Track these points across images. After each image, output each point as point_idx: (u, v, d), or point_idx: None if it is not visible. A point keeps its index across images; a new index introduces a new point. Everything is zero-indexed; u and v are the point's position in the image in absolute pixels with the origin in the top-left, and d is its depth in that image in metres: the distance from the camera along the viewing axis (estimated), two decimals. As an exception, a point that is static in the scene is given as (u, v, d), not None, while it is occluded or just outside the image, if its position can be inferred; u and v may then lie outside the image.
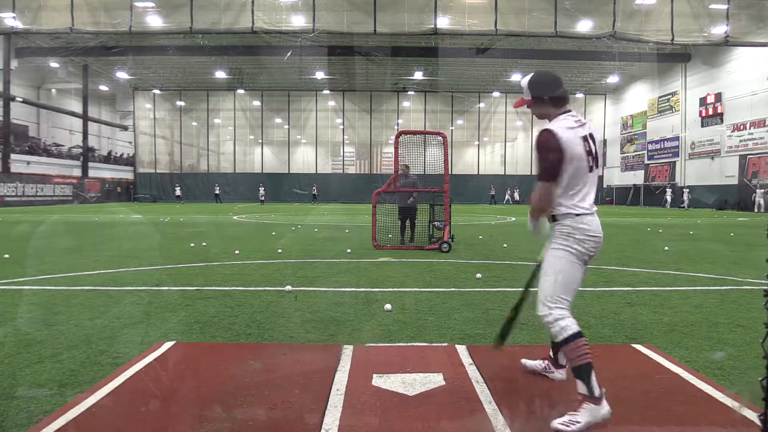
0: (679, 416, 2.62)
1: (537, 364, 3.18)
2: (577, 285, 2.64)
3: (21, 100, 36.46)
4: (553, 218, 2.66)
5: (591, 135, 2.69)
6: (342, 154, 50.71)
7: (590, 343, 3.83)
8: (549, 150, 2.54)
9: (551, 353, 3.12)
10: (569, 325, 2.51)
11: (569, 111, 2.72)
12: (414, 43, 33.12)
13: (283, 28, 25.81)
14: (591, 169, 2.65)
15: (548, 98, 2.70)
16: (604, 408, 2.45)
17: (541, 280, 2.64)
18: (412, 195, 10.42)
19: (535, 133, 2.90)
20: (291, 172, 49.77)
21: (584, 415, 2.42)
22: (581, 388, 2.47)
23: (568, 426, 2.40)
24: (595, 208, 2.69)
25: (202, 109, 49.75)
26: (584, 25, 25.89)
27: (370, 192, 11.34)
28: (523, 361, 3.24)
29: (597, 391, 2.45)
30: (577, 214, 2.61)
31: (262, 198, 41.72)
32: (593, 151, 2.66)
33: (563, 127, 2.60)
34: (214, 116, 50.26)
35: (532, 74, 2.80)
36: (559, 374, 3.09)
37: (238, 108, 49.59)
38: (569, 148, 2.57)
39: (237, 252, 9.01)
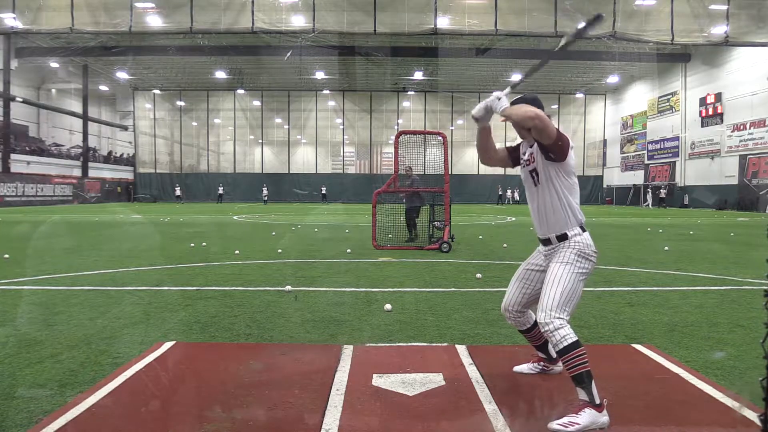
0: (679, 416, 2.62)
1: (531, 366, 3.22)
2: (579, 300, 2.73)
3: (21, 100, 36.45)
4: (565, 236, 2.73)
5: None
6: (342, 154, 50.72)
7: (590, 343, 3.85)
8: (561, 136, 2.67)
9: (540, 353, 3.17)
10: (569, 334, 2.52)
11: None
12: (414, 43, 33.11)
13: (283, 28, 25.80)
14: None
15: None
16: (605, 416, 2.46)
17: (547, 289, 2.63)
18: (419, 195, 10.56)
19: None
20: (291, 172, 49.80)
21: (584, 418, 2.43)
22: (582, 395, 2.48)
23: (566, 427, 2.40)
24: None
25: (202, 109, 49.76)
26: (584, 25, 25.84)
27: (370, 192, 11.35)
28: (516, 369, 3.25)
29: (598, 399, 2.46)
30: (585, 230, 2.77)
31: (266, 198, 41.77)
32: None
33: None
34: (214, 116, 50.27)
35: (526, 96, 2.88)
36: (558, 367, 3.15)
37: (238, 108, 49.60)
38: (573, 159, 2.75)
39: (237, 252, 9.01)
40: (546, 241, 2.80)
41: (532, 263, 2.94)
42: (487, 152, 2.99)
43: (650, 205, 38.93)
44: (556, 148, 2.64)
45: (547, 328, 2.55)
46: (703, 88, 36.61)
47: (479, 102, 2.98)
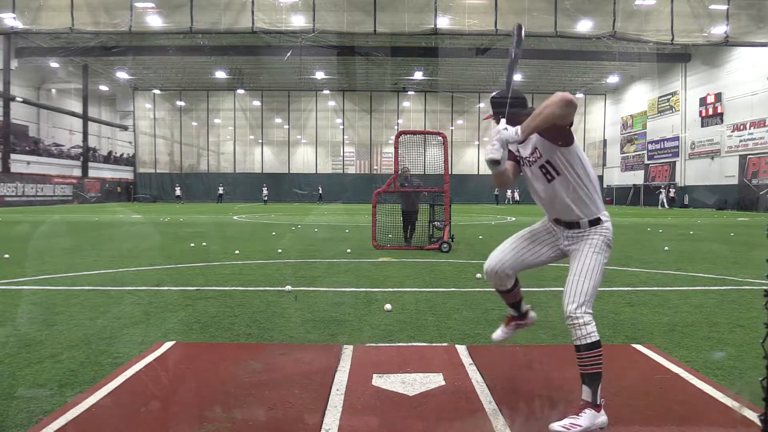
0: (679, 416, 2.62)
1: (505, 330, 3.11)
2: None
3: (21, 100, 36.44)
4: (598, 221, 2.60)
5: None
6: (342, 154, 50.74)
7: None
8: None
9: (511, 310, 3.07)
10: (594, 332, 2.48)
11: None
12: (414, 43, 33.11)
13: (283, 28, 25.80)
14: None
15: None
16: (603, 416, 2.47)
17: (581, 280, 2.53)
18: (418, 195, 10.49)
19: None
20: (291, 172, 49.82)
21: (585, 419, 2.43)
22: (587, 394, 2.48)
23: (568, 429, 2.40)
24: None
25: (202, 109, 49.77)
26: (584, 25, 25.89)
27: (370, 192, 11.34)
28: (494, 336, 3.13)
29: (599, 400, 2.47)
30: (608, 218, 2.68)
31: (266, 198, 41.77)
32: None
33: None
34: (214, 116, 50.29)
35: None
36: (533, 313, 3.13)
37: (238, 108, 49.62)
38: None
39: (237, 252, 9.01)
40: (573, 225, 2.62)
41: (544, 236, 2.77)
42: (508, 182, 2.72)
43: (665, 205, 37.29)
44: (566, 131, 2.46)
45: (576, 322, 2.47)
46: (703, 88, 36.61)
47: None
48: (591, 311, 2.52)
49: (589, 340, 2.45)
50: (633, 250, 10.05)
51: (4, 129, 34.05)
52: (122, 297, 5.37)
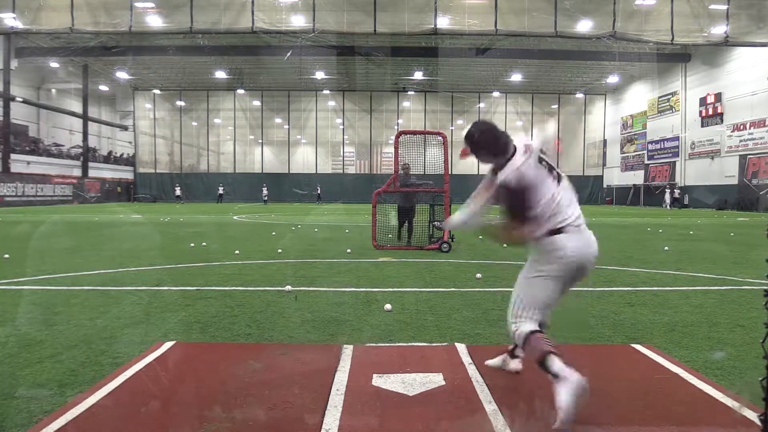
0: (679, 416, 2.62)
1: (498, 360, 3.27)
2: (549, 300, 2.76)
3: (21, 100, 36.45)
4: (537, 240, 2.77)
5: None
6: (342, 154, 50.75)
7: (590, 343, 3.86)
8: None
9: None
10: (523, 330, 2.67)
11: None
12: (414, 43, 33.13)
13: (283, 28, 25.81)
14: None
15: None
16: (573, 375, 2.43)
17: (512, 298, 2.81)
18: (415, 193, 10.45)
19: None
20: (291, 172, 49.82)
21: (563, 395, 2.42)
22: (551, 377, 2.50)
23: (563, 414, 2.39)
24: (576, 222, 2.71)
25: (202, 109, 49.78)
26: (584, 25, 25.89)
27: (370, 192, 11.34)
28: (487, 362, 3.30)
29: (564, 372, 2.46)
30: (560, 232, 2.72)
31: (266, 198, 41.77)
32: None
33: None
34: (214, 116, 50.29)
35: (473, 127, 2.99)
36: (514, 365, 3.21)
37: (238, 108, 49.62)
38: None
39: (237, 252, 9.01)
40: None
41: None
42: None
43: (668, 206, 36.96)
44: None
45: (511, 329, 2.76)
46: (703, 88, 36.62)
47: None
48: (517, 321, 2.73)
49: (521, 340, 2.69)
50: (633, 250, 10.05)
51: (4, 129, 34.06)
52: (122, 297, 5.37)
